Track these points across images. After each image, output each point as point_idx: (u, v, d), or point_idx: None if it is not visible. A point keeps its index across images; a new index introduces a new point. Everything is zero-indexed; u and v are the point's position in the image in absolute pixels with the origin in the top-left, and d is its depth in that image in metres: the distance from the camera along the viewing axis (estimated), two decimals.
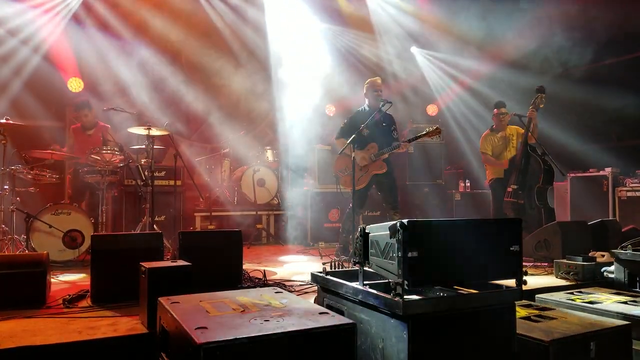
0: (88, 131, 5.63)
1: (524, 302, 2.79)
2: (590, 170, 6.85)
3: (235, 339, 1.49)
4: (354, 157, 4.56)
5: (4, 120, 4.56)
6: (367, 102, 5.25)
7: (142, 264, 2.61)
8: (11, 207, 4.55)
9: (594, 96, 7.10)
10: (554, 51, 7.51)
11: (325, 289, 2.45)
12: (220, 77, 8.13)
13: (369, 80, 5.29)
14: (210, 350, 1.45)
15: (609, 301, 2.87)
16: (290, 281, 3.74)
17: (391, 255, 1.90)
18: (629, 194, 6.31)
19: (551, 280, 3.84)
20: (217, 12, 8.10)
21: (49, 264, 3.10)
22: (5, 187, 4.62)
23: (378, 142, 5.07)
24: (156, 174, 5.89)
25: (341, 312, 2.22)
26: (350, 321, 1.70)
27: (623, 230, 4.86)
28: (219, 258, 3.34)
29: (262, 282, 3.57)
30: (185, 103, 7.88)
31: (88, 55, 7.37)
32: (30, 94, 6.85)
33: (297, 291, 3.39)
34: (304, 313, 1.80)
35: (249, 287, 3.36)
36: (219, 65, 8.16)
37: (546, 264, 4.45)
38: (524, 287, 2.09)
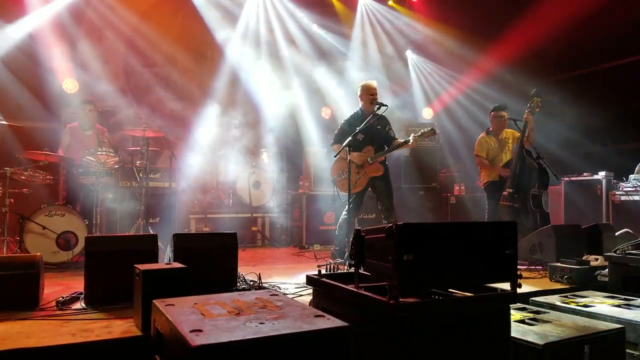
0: (86, 131, 5.60)
1: (519, 305, 2.79)
2: (584, 174, 6.88)
3: (231, 341, 1.49)
4: (349, 160, 4.57)
5: None
6: (361, 105, 5.23)
7: (137, 266, 2.60)
8: (4, 209, 4.52)
9: (588, 100, 7.15)
10: (549, 54, 7.57)
11: (320, 292, 2.45)
12: (216, 79, 8.12)
13: (364, 83, 5.23)
14: (205, 353, 1.45)
15: (603, 305, 2.88)
16: (286, 284, 3.73)
17: (386, 258, 1.90)
18: (623, 198, 6.34)
19: (545, 284, 3.85)
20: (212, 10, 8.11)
21: (42, 266, 3.08)
22: None
23: (374, 145, 5.08)
24: (151, 175, 5.88)
25: (336, 315, 2.21)
26: (346, 324, 1.70)
27: (617, 233, 4.89)
28: (214, 260, 3.33)
29: (258, 285, 3.56)
30: (181, 104, 7.86)
31: (84, 57, 7.35)
32: (24, 95, 6.81)
33: (293, 294, 3.38)
34: (300, 316, 1.80)
35: (244, 289, 3.35)
36: (215, 67, 8.16)
37: (540, 267, 4.47)
38: (519, 291, 2.10)
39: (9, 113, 6.02)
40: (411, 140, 4.86)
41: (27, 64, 6.86)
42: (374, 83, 5.21)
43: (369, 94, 5.10)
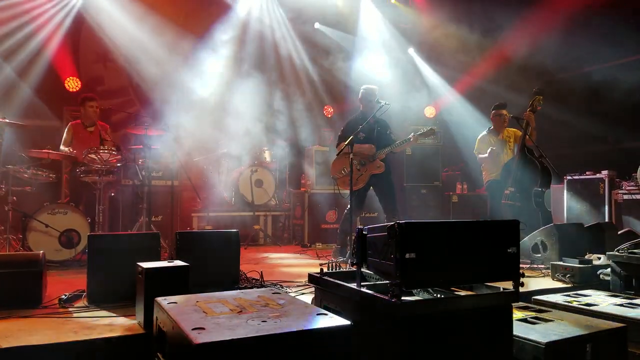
0: (89, 128, 5.61)
1: (521, 303, 2.79)
2: (587, 173, 6.87)
3: (232, 339, 1.49)
4: (351, 158, 4.58)
5: (0, 119, 4.55)
6: (361, 107, 5.28)
7: (139, 264, 2.60)
8: (7, 207, 4.53)
9: (590, 99, 7.13)
10: (552, 54, 7.54)
11: (322, 290, 2.45)
12: (219, 77, 8.12)
13: (365, 87, 5.27)
14: (207, 351, 1.45)
15: (605, 303, 2.88)
16: (288, 282, 3.74)
17: (388, 256, 1.90)
18: (625, 196, 6.33)
19: (548, 282, 3.85)
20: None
21: (45, 264, 3.09)
22: (2, 186, 4.61)
23: (375, 144, 5.11)
24: (153, 174, 5.89)
25: (338, 313, 2.22)
26: (348, 322, 1.70)
27: (619, 232, 4.88)
28: (216, 259, 3.33)
29: (260, 283, 3.57)
30: (183, 102, 7.87)
31: (86, 55, 7.36)
32: (27, 93, 6.82)
33: (295, 292, 3.38)
34: (302, 314, 1.80)
35: (246, 287, 3.36)
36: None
37: (543, 266, 4.46)
38: (521, 289, 2.09)
39: (11, 111, 6.04)
40: (411, 139, 4.95)
41: (29, 62, 6.87)
42: (375, 88, 5.25)
43: (368, 99, 5.15)
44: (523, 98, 6.22)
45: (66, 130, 5.68)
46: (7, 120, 4.59)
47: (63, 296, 2.96)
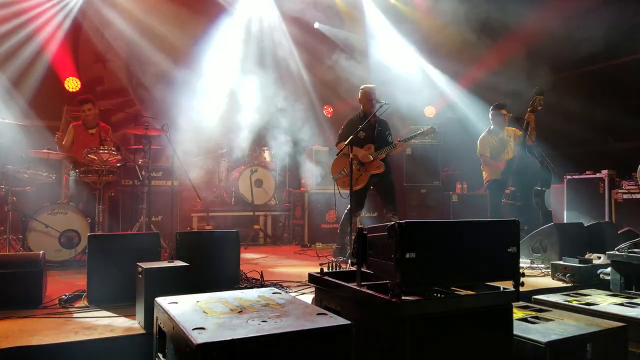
0: (90, 130, 5.61)
1: (521, 303, 2.79)
2: (587, 172, 6.86)
3: (233, 339, 1.49)
4: (352, 157, 4.58)
5: (0, 120, 4.54)
6: (361, 107, 5.29)
7: (139, 264, 2.60)
8: (7, 207, 4.53)
9: (591, 98, 7.12)
10: (552, 52, 7.55)
11: (322, 290, 2.45)
12: (219, 77, 8.11)
13: (364, 87, 5.28)
14: (208, 351, 1.45)
15: (606, 303, 2.88)
16: (288, 282, 3.74)
17: (389, 256, 1.90)
18: (625, 196, 6.32)
19: (548, 282, 3.85)
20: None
21: (45, 264, 3.09)
22: (2, 186, 4.60)
23: (375, 144, 5.12)
24: (153, 174, 5.88)
25: (338, 313, 2.22)
26: (348, 322, 1.70)
27: (619, 232, 4.88)
28: (216, 258, 3.33)
29: (260, 283, 3.57)
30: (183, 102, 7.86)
31: (86, 55, 7.35)
32: (27, 94, 6.82)
33: (295, 292, 3.38)
34: (302, 314, 1.80)
35: (246, 287, 3.36)
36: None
37: (543, 265, 4.47)
38: (521, 289, 2.09)
39: (12, 111, 6.03)
40: (409, 141, 5.06)
41: (29, 63, 6.87)
42: (373, 87, 5.26)
43: (367, 98, 5.16)
44: (523, 96, 6.22)
45: (68, 130, 5.68)
46: (7, 121, 4.58)
47: (63, 296, 2.96)
